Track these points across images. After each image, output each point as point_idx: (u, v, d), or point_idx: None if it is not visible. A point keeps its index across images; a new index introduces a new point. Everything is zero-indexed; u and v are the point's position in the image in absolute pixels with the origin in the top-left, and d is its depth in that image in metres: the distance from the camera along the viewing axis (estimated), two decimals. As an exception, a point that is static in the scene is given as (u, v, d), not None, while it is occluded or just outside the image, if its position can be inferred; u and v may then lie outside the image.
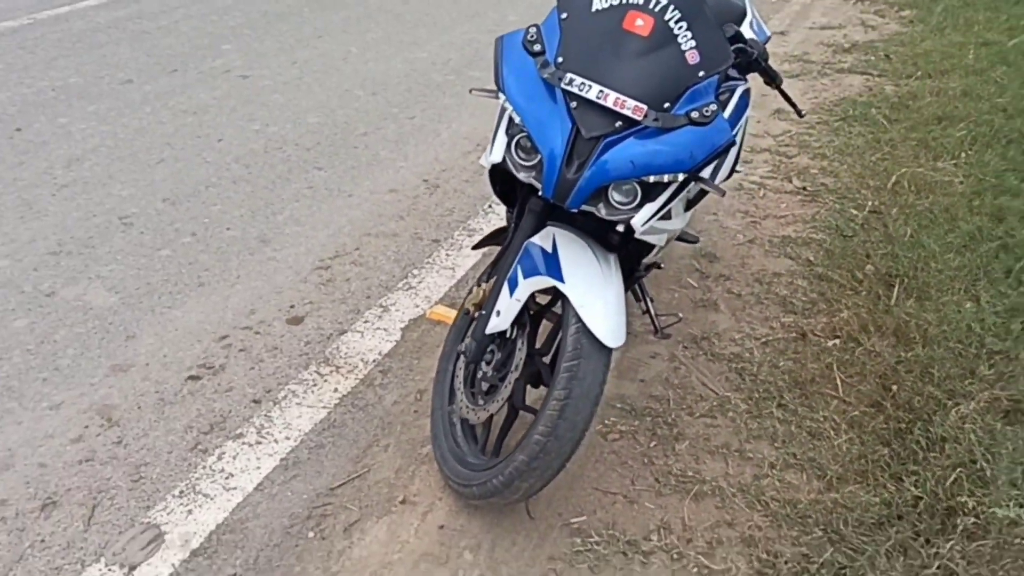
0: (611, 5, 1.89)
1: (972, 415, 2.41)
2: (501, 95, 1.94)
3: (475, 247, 2.50)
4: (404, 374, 2.69)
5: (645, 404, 2.58)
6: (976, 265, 3.17)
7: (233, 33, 5.83)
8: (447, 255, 3.34)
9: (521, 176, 1.95)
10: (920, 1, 7.40)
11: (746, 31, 2.84)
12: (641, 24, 1.85)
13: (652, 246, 2.15)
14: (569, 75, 1.84)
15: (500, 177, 2.17)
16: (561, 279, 1.94)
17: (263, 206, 3.64)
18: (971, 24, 6.52)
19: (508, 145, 1.96)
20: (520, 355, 2.08)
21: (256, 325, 2.90)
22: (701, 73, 1.87)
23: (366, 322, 2.93)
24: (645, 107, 1.81)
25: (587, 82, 1.82)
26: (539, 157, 1.91)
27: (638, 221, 1.90)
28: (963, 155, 4.20)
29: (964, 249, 3.30)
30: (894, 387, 2.60)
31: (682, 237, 2.70)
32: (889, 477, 2.29)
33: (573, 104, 1.84)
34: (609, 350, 1.93)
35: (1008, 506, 2.09)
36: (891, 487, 2.26)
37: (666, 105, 1.84)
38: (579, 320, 1.90)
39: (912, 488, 2.23)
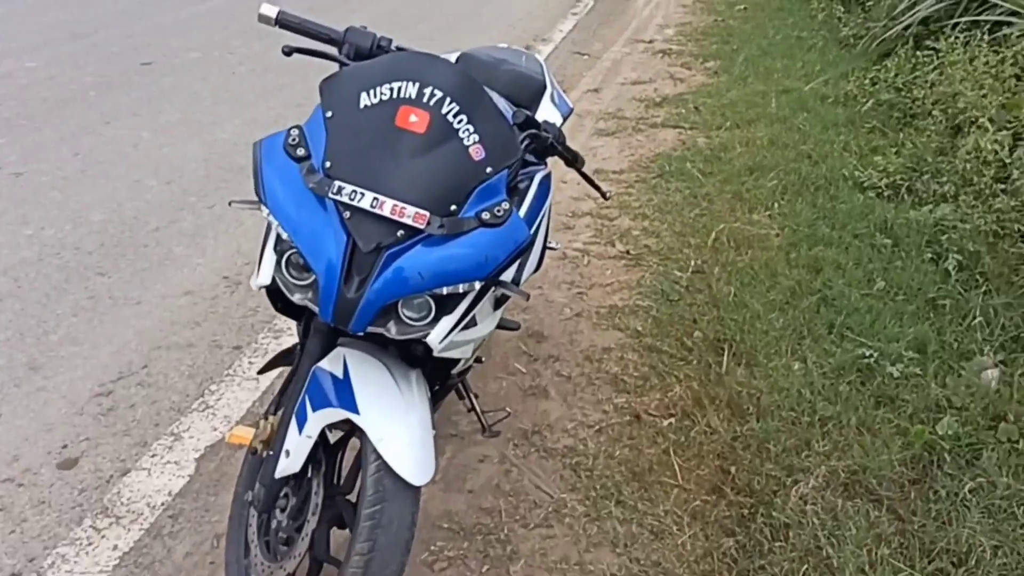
0: (381, 100, 1.67)
1: (812, 494, 2.30)
2: (264, 207, 1.68)
3: (261, 371, 2.20)
4: (198, 516, 2.34)
5: (475, 520, 2.34)
6: (799, 322, 3.13)
7: (6, 124, 5.28)
8: (250, 363, 3.01)
9: (296, 298, 1.69)
10: (723, 52, 7.67)
11: (546, 106, 2.71)
12: (415, 120, 1.64)
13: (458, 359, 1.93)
14: (337, 183, 1.60)
15: (280, 294, 1.89)
16: (355, 410, 1.68)
17: (34, 325, 3.19)
18: (771, 72, 6.78)
19: (278, 263, 1.70)
20: (316, 499, 1.79)
21: (20, 475, 2.47)
22: (488, 169, 1.67)
23: (154, 456, 2.56)
24: (427, 213, 1.59)
25: (358, 190, 1.59)
26: (314, 276, 1.66)
27: (435, 338, 1.67)
28: (776, 205, 4.24)
29: (786, 306, 3.26)
30: (733, 468, 2.46)
31: (501, 325, 2.49)
32: (737, 575, 2.13)
33: (346, 214, 1.60)
34: (417, 488, 1.68)
35: (860, 599, 1.96)
36: (740, 587, 2.10)
37: (453, 208, 1.63)
38: (379, 457, 1.65)
39: (762, 586, 2.07)
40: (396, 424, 1.68)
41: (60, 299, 3.36)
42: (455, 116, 1.65)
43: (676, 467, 2.49)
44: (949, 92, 4.84)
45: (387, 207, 1.58)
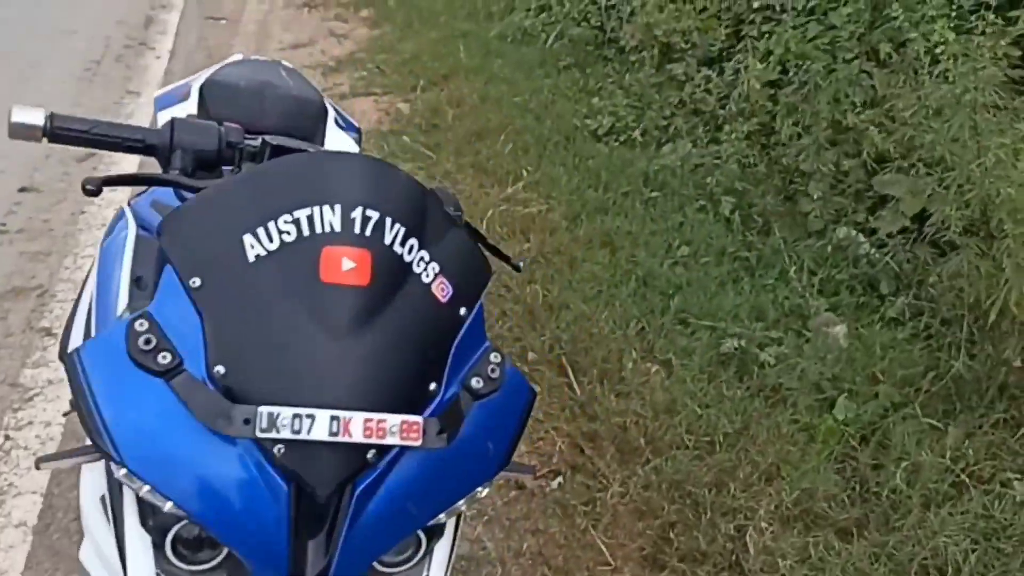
0: (283, 243, 0.97)
1: (773, 543, 2.01)
2: (114, 464, 0.94)
3: None
4: None
5: None
6: (631, 314, 2.80)
7: None
8: None
9: None
10: (373, -2, 7.08)
11: (334, 134, 2.08)
12: (352, 267, 0.98)
13: None
14: (263, 409, 0.91)
15: None
16: None
17: None
18: (435, 15, 6.35)
19: (157, 547, 0.98)
20: None
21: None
22: (463, 311, 1.08)
23: None
24: (419, 420, 0.97)
25: (302, 412, 0.92)
26: (222, 553, 0.98)
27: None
28: (524, 173, 3.88)
29: (608, 297, 2.92)
30: (663, 527, 2.11)
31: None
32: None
33: (278, 449, 0.93)
34: None
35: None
36: None
37: (432, 387, 1.03)
38: None
39: None
40: None
41: None
42: (403, 242, 1.03)
43: (601, 546, 2.08)
44: (643, 23, 4.74)
45: (356, 428, 0.92)
